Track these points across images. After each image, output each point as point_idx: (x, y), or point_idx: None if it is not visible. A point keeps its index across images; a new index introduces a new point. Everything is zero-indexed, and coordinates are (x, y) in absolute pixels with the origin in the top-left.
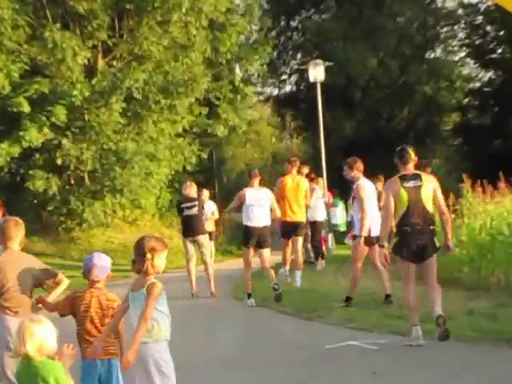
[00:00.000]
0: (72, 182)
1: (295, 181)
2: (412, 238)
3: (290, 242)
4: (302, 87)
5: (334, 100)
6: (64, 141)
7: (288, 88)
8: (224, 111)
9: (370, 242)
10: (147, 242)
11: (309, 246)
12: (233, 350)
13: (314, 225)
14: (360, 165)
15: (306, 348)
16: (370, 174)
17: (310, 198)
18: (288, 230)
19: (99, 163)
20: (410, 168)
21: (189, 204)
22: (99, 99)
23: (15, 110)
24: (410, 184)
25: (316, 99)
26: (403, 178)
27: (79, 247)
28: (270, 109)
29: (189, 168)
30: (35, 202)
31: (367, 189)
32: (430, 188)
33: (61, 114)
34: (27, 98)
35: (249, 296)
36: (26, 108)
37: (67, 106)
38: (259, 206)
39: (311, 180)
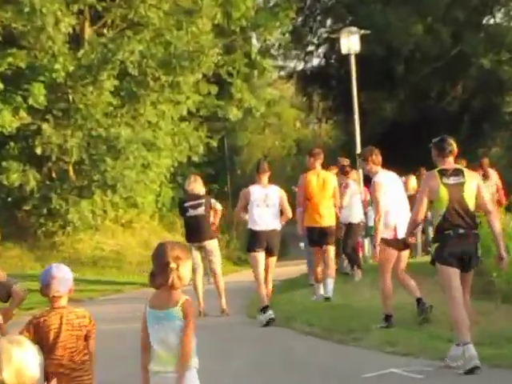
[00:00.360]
0: (54, 175)
1: (320, 177)
2: (456, 243)
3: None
4: (332, 60)
5: (372, 75)
6: (44, 126)
7: (315, 61)
8: (238, 90)
9: (397, 246)
10: (170, 249)
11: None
12: (249, 379)
13: (348, 228)
14: (377, 157)
15: (339, 377)
16: (412, 166)
17: (339, 198)
18: (315, 237)
19: (86, 153)
20: (451, 162)
21: (193, 202)
22: (86, 75)
23: None
24: (451, 180)
25: (349, 74)
26: (443, 173)
27: (62, 255)
28: (293, 87)
29: (195, 159)
30: (9, 199)
31: (384, 186)
32: (473, 185)
33: (40, 93)
34: None
35: (264, 310)
36: None
37: (47, 84)
38: (266, 206)
39: (345, 174)
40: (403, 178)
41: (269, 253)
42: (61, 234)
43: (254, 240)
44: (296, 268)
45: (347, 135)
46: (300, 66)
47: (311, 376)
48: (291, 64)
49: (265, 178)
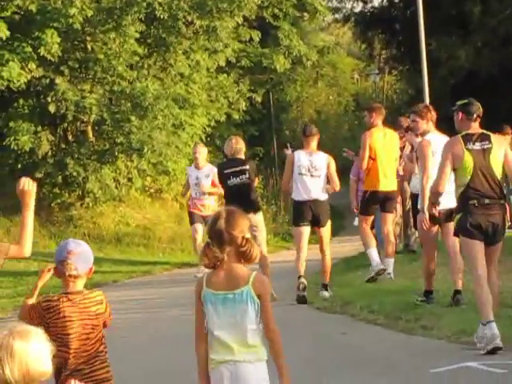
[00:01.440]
0: (70, 138)
1: (387, 136)
2: (481, 214)
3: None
4: (396, 0)
5: (443, 18)
6: (58, 80)
7: (377, 1)
8: (285, 36)
9: (436, 219)
10: (238, 216)
11: (412, 228)
12: (302, 374)
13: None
14: (434, 114)
15: (404, 372)
16: (491, 123)
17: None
18: (376, 202)
19: (108, 112)
20: (477, 127)
21: (236, 169)
22: (107, 20)
23: None
24: (477, 146)
25: (416, 17)
26: (467, 139)
27: (81, 230)
28: (350, 32)
29: (235, 117)
30: (19, 166)
31: (436, 146)
32: (500, 151)
33: (53, 41)
34: (5, 20)
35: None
36: (4, 33)
37: (62, 31)
38: (310, 174)
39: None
40: None
41: (317, 224)
42: (79, 206)
43: (297, 212)
44: (351, 246)
45: (414, 89)
46: (358, 7)
47: (373, 371)
48: (348, 5)
49: (312, 142)
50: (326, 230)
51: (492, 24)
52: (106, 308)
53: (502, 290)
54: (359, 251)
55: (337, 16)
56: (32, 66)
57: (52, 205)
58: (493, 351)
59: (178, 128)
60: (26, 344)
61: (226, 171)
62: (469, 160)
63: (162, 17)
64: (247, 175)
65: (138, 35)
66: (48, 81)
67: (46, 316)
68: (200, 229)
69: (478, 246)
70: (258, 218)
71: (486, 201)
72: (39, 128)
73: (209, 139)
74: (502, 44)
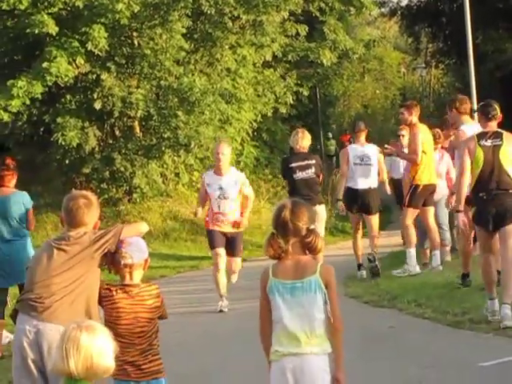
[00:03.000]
0: (117, 133)
1: (428, 131)
2: (489, 205)
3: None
4: None
5: (489, 11)
6: (105, 75)
7: None
8: (331, 30)
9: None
10: (303, 207)
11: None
12: (352, 369)
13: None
14: (467, 106)
15: (452, 366)
16: None
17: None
18: (426, 195)
19: (155, 107)
20: (493, 126)
21: (302, 163)
22: (154, 16)
23: (37, 32)
24: (488, 143)
25: (463, 10)
26: (481, 136)
27: None
28: (397, 26)
29: (283, 111)
30: (66, 162)
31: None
32: (510, 148)
33: (100, 37)
34: (53, 16)
35: (359, 267)
36: (52, 29)
37: (109, 27)
38: (364, 164)
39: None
40: None
41: (366, 211)
42: (126, 201)
43: (350, 199)
44: (398, 240)
45: (461, 82)
46: (405, 1)
47: (421, 364)
48: None
49: (362, 137)
50: (372, 219)
51: None
52: (162, 301)
53: None
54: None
55: (383, 10)
56: (80, 61)
57: (100, 200)
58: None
59: (225, 123)
60: (92, 338)
61: (291, 165)
62: (480, 155)
63: (208, 12)
64: (313, 170)
65: (184, 30)
66: (95, 77)
67: (102, 303)
68: (223, 253)
69: (489, 235)
70: (323, 211)
71: (494, 192)
72: (86, 123)
73: (256, 134)
74: None
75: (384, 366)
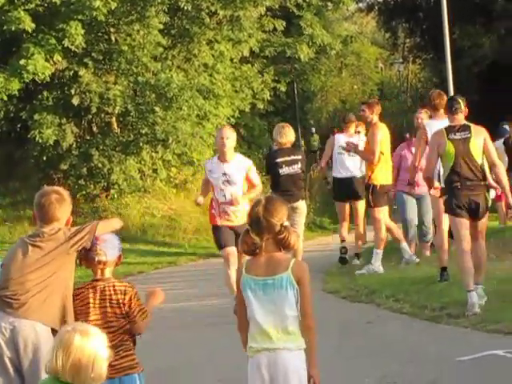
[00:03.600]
0: (94, 129)
1: (387, 131)
2: (464, 195)
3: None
4: None
5: (466, 6)
6: (82, 72)
7: None
8: (309, 25)
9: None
10: (277, 204)
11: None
12: (331, 364)
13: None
14: (440, 101)
15: (430, 360)
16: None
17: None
18: (383, 194)
19: (132, 103)
20: (459, 119)
21: (288, 158)
22: (131, 12)
23: (13, 28)
24: (458, 136)
25: (440, 5)
26: (450, 130)
27: None
28: (374, 21)
29: (260, 106)
30: (44, 158)
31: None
32: (479, 140)
33: (77, 34)
34: (30, 13)
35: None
36: (29, 26)
37: (86, 23)
38: (349, 154)
39: None
40: (505, 127)
41: (352, 197)
42: (104, 197)
43: (336, 188)
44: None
45: (438, 77)
46: None
47: (399, 359)
48: None
49: (351, 127)
50: (358, 205)
51: None
52: (131, 301)
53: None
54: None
55: (360, 5)
56: (57, 57)
57: (77, 196)
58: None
59: (203, 118)
60: (84, 343)
61: (277, 160)
62: (451, 148)
63: (185, 8)
64: (299, 165)
65: (161, 26)
66: (72, 73)
67: (75, 303)
68: (234, 251)
69: (463, 223)
70: (303, 206)
71: (468, 183)
72: (64, 120)
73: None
74: None
75: (362, 361)
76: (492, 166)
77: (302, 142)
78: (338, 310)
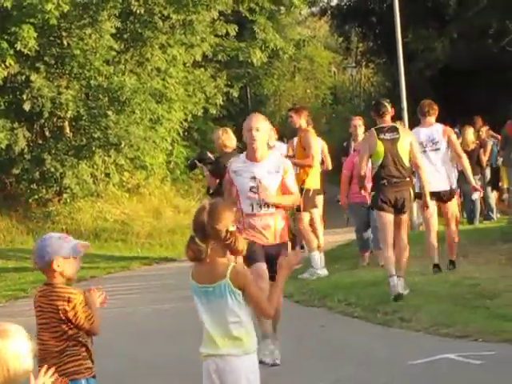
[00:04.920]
0: (47, 134)
1: (316, 137)
2: (390, 191)
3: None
4: None
5: (419, 10)
6: (34, 76)
7: None
8: (261, 29)
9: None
10: (221, 209)
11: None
12: (283, 366)
13: None
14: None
15: (381, 364)
16: (467, 116)
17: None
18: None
19: (85, 107)
20: (387, 121)
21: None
22: (83, 16)
23: None
24: (387, 136)
25: (392, 9)
26: (380, 131)
27: (58, 226)
28: (327, 25)
29: (213, 111)
30: None
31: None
32: (406, 141)
33: (29, 37)
34: None
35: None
36: None
37: (38, 27)
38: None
39: None
40: (456, 130)
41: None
42: (56, 201)
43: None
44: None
45: (391, 81)
46: (335, 1)
47: (351, 363)
48: None
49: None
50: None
51: (468, 16)
52: (73, 309)
53: (479, 282)
54: (338, 244)
55: (313, 9)
56: (9, 61)
57: (29, 201)
58: (395, 299)
59: (156, 123)
60: (6, 344)
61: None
62: (380, 147)
63: (137, 12)
64: None
65: (114, 30)
66: (24, 77)
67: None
68: (266, 273)
69: (388, 218)
70: None
71: (394, 180)
72: (16, 124)
73: (186, 134)
74: (478, 36)
75: (316, 364)
76: (415, 167)
77: None
78: (292, 315)
